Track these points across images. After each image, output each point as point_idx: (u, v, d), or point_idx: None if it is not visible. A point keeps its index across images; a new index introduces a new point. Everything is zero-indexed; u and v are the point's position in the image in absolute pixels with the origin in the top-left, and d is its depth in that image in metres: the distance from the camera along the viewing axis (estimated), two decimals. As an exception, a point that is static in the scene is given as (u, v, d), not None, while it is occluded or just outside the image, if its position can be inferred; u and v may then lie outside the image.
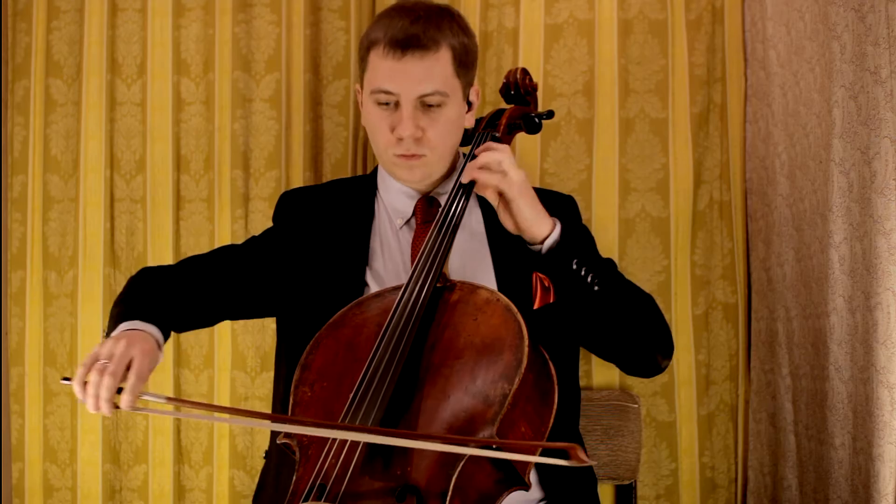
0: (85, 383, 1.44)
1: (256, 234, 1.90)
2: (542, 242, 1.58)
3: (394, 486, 1.37)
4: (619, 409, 2.23)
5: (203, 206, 2.59)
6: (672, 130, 2.41)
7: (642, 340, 1.68)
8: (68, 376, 1.48)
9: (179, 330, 1.70)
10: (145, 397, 1.46)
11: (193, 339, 2.59)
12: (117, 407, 1.44)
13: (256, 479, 2.54)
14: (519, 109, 1.88)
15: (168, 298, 1.66)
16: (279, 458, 1.65)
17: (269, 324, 2.55)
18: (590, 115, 2.43)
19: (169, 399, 1.45)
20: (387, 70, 1.64)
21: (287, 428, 1.44)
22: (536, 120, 1.90)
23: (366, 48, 1.68)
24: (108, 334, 1.58)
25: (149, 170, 2.61)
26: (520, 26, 2.46)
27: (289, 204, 1.86)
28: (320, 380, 1.54)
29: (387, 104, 1.65)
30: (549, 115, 1.92)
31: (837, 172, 1.88)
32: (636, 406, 2.28)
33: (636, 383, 2.40)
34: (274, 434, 1.59)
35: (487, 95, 2.49)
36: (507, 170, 1.57)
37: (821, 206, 2.01)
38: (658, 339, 1.70)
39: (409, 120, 1.64)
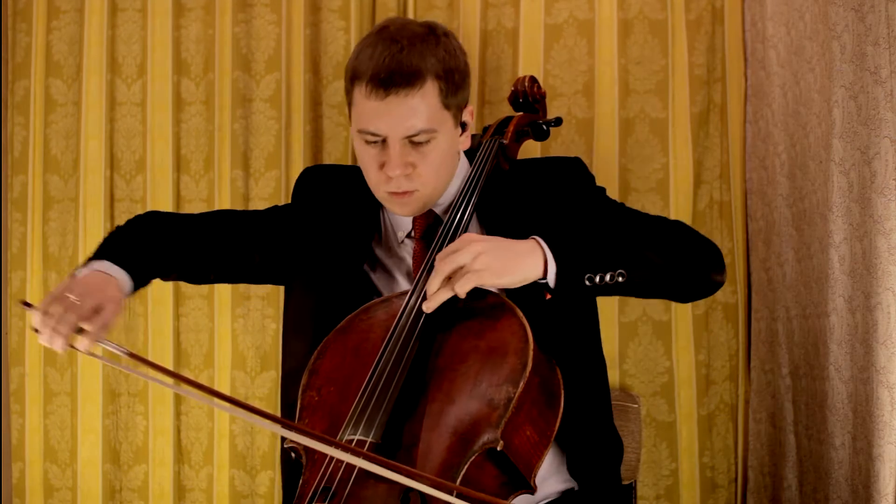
0: (46, 313, 1.44)
1: None
2: (544, 279, 1.51)
3: (398, 489, 1.38)
4: (619, 409, 2.22)
5: (203, 206, 2.59)
6: (672, 130, 2.41)
7: (689, 274, 1.62)
8: (30, 302, 1.48)
9: (165, 277, 1.76)
10: (105, 346, 1.46)
11: (193, 338, 2.59)
12: (72, 347, 1.44)
13: (256, 479, 2.56)
14: (527, 117, 1.88)
15: (161, 248, 1.70)
16: (286, 463, 1.65)
17: (269, 324, 2.55)
18: (590, 115, 2.43)
19: (130, 355, 1.44)
20: (371, 111, 1.58)
21: (300, 439, 1.42)
22: (544, 127, 1.89)
23: (350, 81, 1.63)
24: (83, 265, 1.61)
25: (149, 170, 2.61)
26: (520, 26, 2.46)
27: (308, 182, 1.85)
28: (327, 384, 1.54)
29: (374, 142, 1.62)
30: (558, 122, 1.91)
31: (837, 172, 1.88)
32: (636, 406, 2.28)
33: (636, 383, 2.41)
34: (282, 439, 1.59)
35: (487, 95, 2.49)
36: (471, 266, 1.47)
37: (821, 206, 2.01)
38: (704, 261, 1.64)
39: (397, 159, 1.59)
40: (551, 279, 1.50)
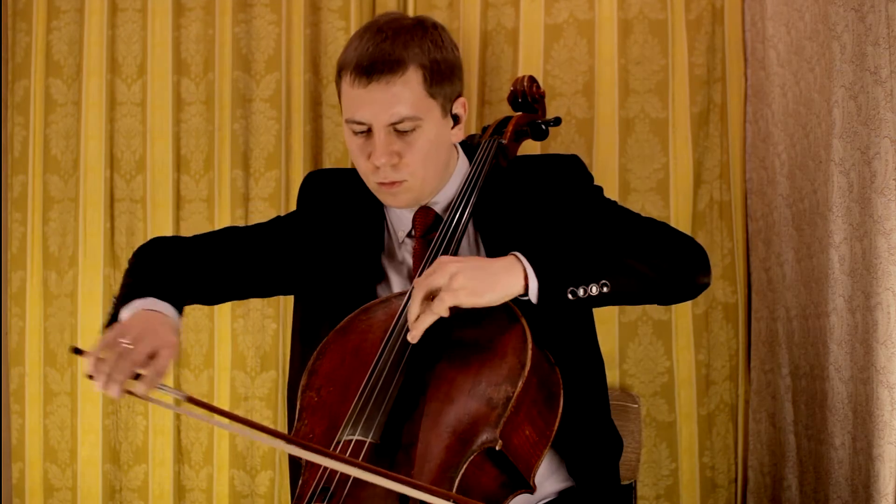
0: (100, 359, 1.39)
1: None
2: (525, 295, 1.50)
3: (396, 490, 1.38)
4: (619, 409, 2.22)
5: (203, 206, 2.59)
6: (672, 130, 2.41)
7: (674, 279, 1.61)
8: (80, 347, 1.42)
9: (189, 303, 1.70)
10: (161, 390, 1.41)
11: (193, 338, 2.59)
12: (129, 392, 1.39)
13: (256, 479, 2.56)
14: (526, 117, 1.88)
15: (183, 274, 1.66)
16: (293, 462, 1.65)
17: (269, 324, 2.55)
18: (590, 115, 2.43)
19: (189, 399, 1.40)
20: (355, 99, 1.59)
21: (300, 453, 1.41)
22: (543, 127, 1.89)
23: (338, 73, 1.64)
24: (118, 305, 1.55)
25: (149, 170, 2.61)
26: (520, 26, 2.46)
27: (313, 186, 1.84)
28: (327, 384, 1.54)
29: (361, 132, 1.62)
30: (557, 122, 1.91)
31: (837, 172, 1.88)
32: (636, 406, 2.27)
33: (636, 383, 2.40)
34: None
35: (487, 95, 2.49)
36: (448, 285, 1.44)
37: (821, 206, 2.01)
38: (690, 266, 1.63)
39: (382, 148, 1.59)
40: (533, 295, 1.49)
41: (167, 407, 1.44)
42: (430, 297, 1.45)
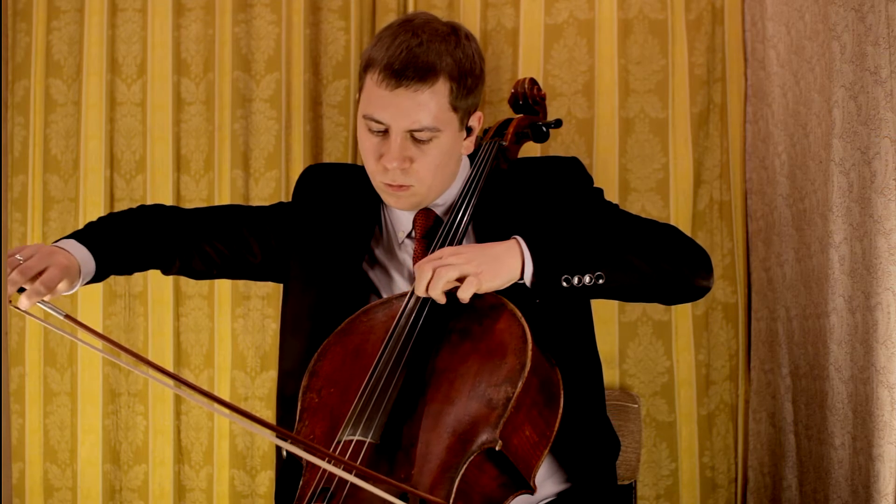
0: None
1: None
2: (521, 278, 1.53)
3: (396, 490, 1.37)
4: (619, 409, 2.23)
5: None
6: (672, 130, 2.41)
7: (673, 279, 1.62)
8: None
9: (166, 271, 1.79)
10: (44, 307, 1.51)
11: (193, 338, 2.59)
12: (14, 306, 1.49)
13: (256, 479, 2.56)
14: (527, 119, 1.88)
15: (140, 240, 1.73)
16: (284, 462, 1.66)
17: (269, 324, 2.55)
18: (590, 115, 2.43)
19: (67, 317, 1.47)
20: (378, 99, 1.58)
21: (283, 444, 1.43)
22: (544, 129, 1.89)
23: (364, 66, 1.63)
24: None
25: (149, 170, 2.61)
26: (520, 26, 2.46)
27: (310, 180, 1.85)
28: (328, 385, 1.55)
29: (377, 131, 1.62)
30: (558, 123, 1.91)
31: (837, 172, 1.88)
32: (636, 406, 2.28)
33: (636, 383, 2.40)
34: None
35: (486, 95, 2.49)
36: (466, 270, 1.49)
37: (821, 206, 2.01)
38: (690, 266, 1.64)
39: (396, 151, 1.59)
40: (527, 279, 1.51)
41: (52, 327, 1.52)
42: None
